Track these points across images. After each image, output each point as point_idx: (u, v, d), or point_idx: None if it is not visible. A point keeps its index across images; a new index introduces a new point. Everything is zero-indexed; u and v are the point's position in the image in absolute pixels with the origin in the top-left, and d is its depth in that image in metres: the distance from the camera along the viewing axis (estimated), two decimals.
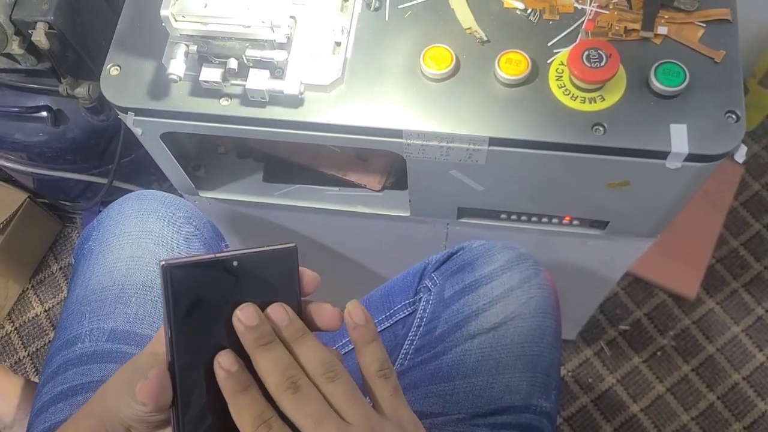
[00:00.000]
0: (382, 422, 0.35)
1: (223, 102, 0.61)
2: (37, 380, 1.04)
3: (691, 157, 0.57)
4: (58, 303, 1.29)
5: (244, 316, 0.35)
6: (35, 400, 0.62)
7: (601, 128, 0.58)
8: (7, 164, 1.10)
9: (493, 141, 0.60)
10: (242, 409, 0.34)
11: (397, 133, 0.60)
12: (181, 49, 0.58)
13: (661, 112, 0.58)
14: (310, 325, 0.39)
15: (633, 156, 0.58)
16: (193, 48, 0.59)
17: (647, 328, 1.26)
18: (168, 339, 0.35)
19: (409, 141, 0.61)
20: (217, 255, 0.35)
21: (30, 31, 0.84)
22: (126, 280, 0.64)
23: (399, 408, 0.37)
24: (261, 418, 0.33)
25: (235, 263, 0.36)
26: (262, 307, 0.37)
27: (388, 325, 0.68)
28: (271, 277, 0.37)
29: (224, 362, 0.34)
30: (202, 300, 0.35)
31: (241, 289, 0.36)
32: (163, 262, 0.34)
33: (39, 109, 1.00)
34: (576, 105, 0.59)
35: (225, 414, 0.35)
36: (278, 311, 0.36)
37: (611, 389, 1.22)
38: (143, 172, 1.18)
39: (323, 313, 0.40)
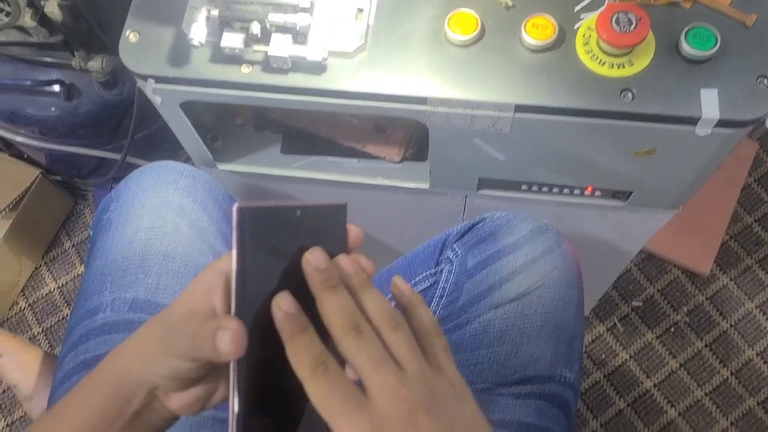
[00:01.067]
0: (436, 377, 0.35)
1: (245, 69, 0.60)
2: None
3: (721, 123, 0.56)
4: (71, 279, 1.29)
5: (314, 258, 0.35)
6: (57, 370, 0.62)
7: (629, 94, 0.57)
8: (19, 139, 1.09)
9: (519, 108, 0.59)
10: (300, 349, 0.34)
11: (422, 101, 0.60)
12: (202, 14, 0.58)
13: (691, 77, 0.57)
14: None
15: (662, 122, 0.57)
16: (215, 12, 0.58)
17: (660, 304, 1.26)
18: (236, 284, 0.34)
19: (433, 109, 0.60)
20: (285, 203, 0.36)
21: (42, 3, 0.83)
22: (146, 251, 0.63)
23: (450, 366, 0.37)
24: (319, 359, 0.33)
25: (298, 212, 0.36)
26: None
27: None
28: (325, 230, 0.38)
29: (283, 304, 0.34)
30: (267, 247, 0.35)
31: (300, 239, 0.36)
32: (237, 205, 0.34)
33: (51, 83, 1.00)
34: (604, 70, 0.58)
35: (281, 363, 0.34)
36: (347, 261, 0.37)
37: (624, 365, 1.22)
38: (156, 148, 1.18)
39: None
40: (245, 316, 0.35)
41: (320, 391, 0.33)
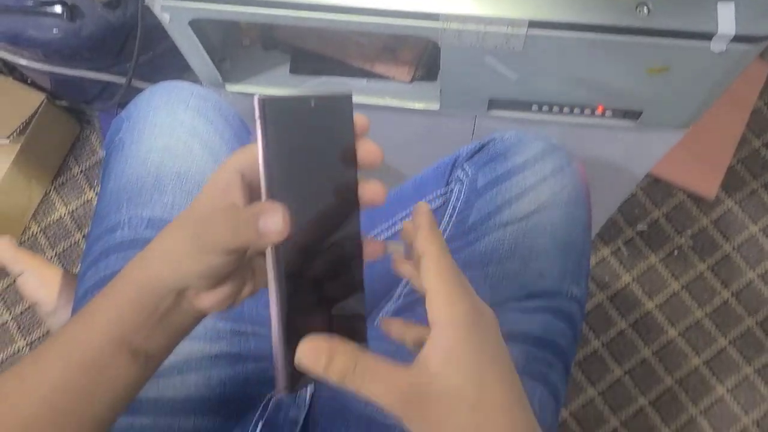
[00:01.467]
0: None
1: None
2: None
3: (736, 39, 0.56)
4: (81, 205, 1.31)
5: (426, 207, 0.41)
6: (78, 285, 0.64)
7: (645, 8, 0.56)
8: (22, 62, 1.08)
9: (533, 24, 0.58)
10: (436, 234, 0.39)
11: (434, 17, 0.59)
12: None
13: None
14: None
15: (677, 38, 0.57)
16: None
17: (665, 228, 1.27)
18: (264, 173, 0.36)
19: (445, 25, 0.59)
20: (299, 95, 0.37)
21: None
22: (160, 171, 0.64)
23: None
24: (444, 244, 0.39)
25: (312, 103, 0.37)
26: (333, 150, 0.38)
27: None
28: (336, 119, 0.38)
29: (424, 206, 0.40)
30: (287, 136, 0.36)
31: (316, 128, 0.37)
32: (258, 96, 0.35)
33: (53, 3, 0.98)
34: None
35: (311, 249, 0.37)
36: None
37: (627, 287, 1.24)
38: (160, 72, 1.16)
39: (370, 187, 0.41)
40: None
41: (445, 266, 0.38)
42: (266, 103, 0.35)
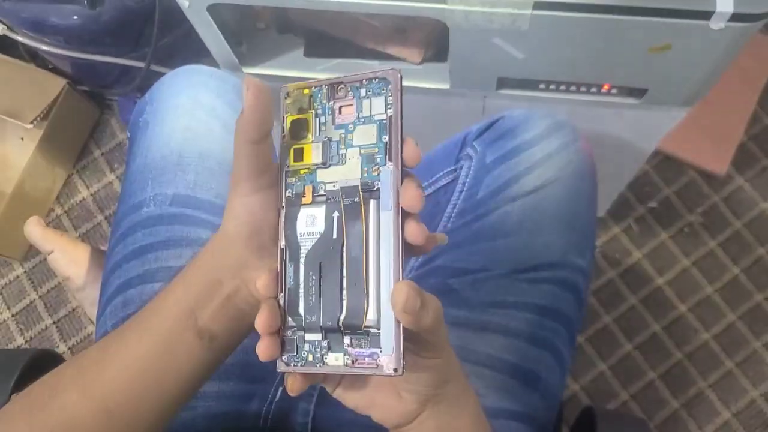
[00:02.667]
0: None
1: None
2: None
3: (735, 17, 0.57)
4: (103, 187, 1.35)
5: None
6: (107, 260, 0.67)
7: None
8: (44, 47, 1.11)
9: (537, 5, 0.60)
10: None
11: None
12: None
13: None
14: None
15: (677, 17, 0.59)
16: None
17: (676, 205, 1.29)
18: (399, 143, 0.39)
19: (453, 6, 0.61)
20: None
21: None
22: (183, 150, 0.67)
23: None
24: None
25: None
26: None
27: (431, 191, 0.72)
28: None
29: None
30: None
31: None
32: (396, 69, 0.39)
33: None
34: None
35: None
36: None
37: (638, 264, 1.26)
38: (178, 56, 1.19)
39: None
40: None
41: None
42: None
